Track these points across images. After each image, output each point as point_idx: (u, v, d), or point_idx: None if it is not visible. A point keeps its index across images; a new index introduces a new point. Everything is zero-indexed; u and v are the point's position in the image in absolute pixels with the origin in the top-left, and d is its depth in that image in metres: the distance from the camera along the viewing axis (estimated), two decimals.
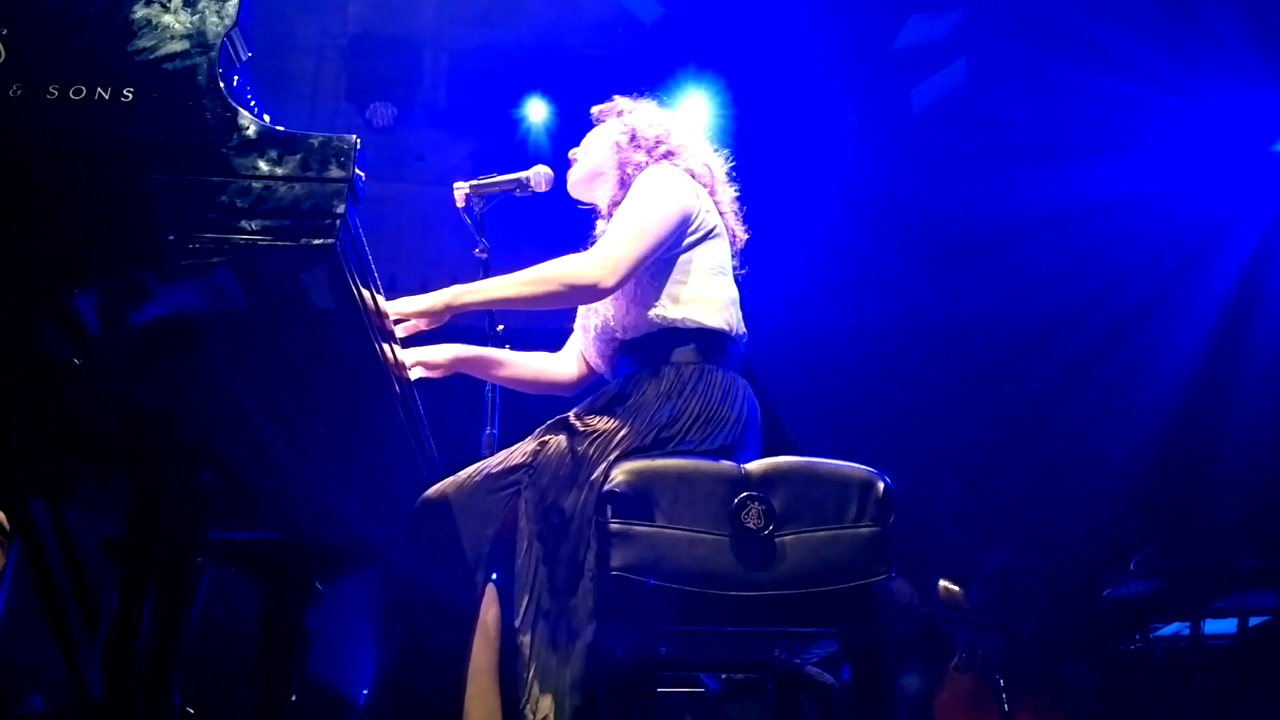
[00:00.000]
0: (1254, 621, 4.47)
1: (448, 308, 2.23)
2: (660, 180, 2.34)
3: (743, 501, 1.98)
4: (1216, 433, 5.49)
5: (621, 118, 2.54)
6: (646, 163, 2.43)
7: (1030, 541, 5.27)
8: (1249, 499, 5.11)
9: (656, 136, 2.47)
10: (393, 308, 2.21)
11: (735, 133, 5.40)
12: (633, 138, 2.48)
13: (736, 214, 2.53)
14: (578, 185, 2.58)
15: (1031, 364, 5.89)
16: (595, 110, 2.62)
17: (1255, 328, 5.58)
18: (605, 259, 2.22)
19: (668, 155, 2.45)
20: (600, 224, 2.52)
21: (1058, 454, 5.72)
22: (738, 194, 2.56)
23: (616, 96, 2.61)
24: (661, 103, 2.61)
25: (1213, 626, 4.50)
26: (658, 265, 2.30)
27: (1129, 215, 5.52)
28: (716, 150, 2.60)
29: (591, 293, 2.24)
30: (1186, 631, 4.54)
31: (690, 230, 2.33)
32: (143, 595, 1.81)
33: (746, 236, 2.53)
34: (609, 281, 2.21)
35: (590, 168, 2.54)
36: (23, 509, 1.84)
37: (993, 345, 5.99)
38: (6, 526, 1.76)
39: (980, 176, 5.62)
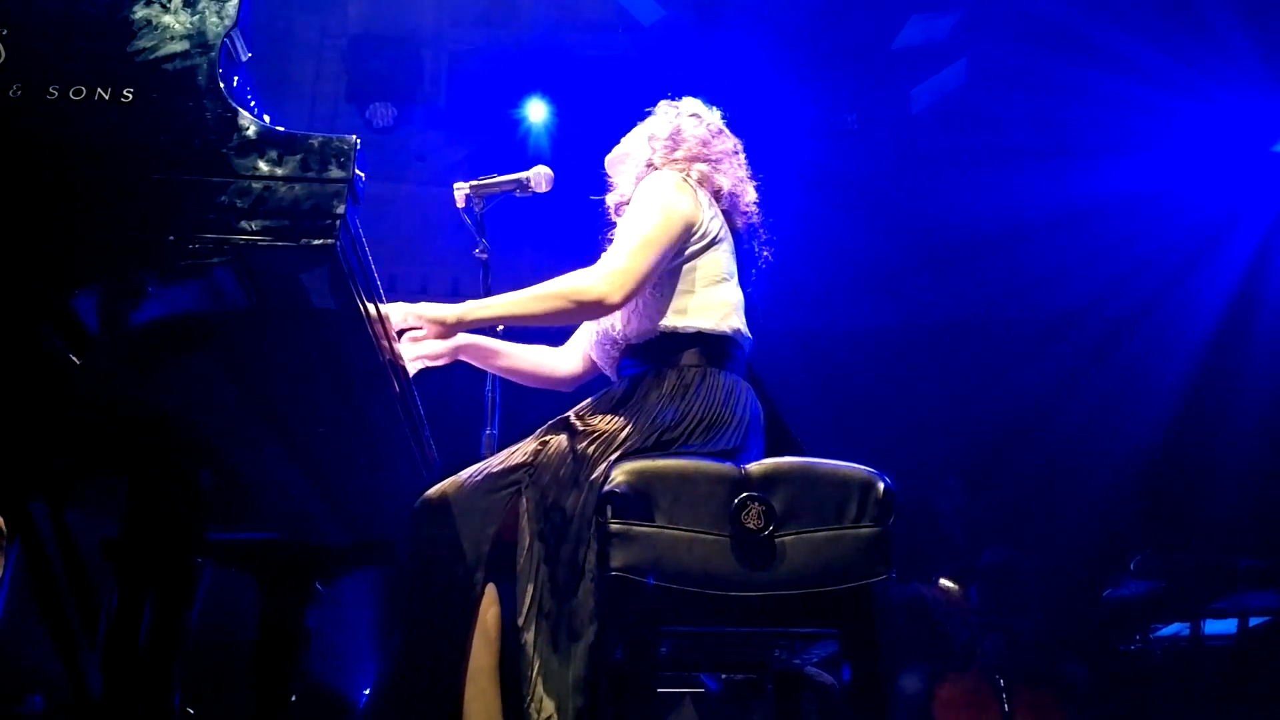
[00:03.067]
0: (1254, 622, 4.47)
1: (460, 322, 2.25)
2: (662, 189, 2.33)
3: (743, 502, 1.98)
4: (1217, 432, 5.49)
5: (666, 114, 2.57)
6: (658, 165, 2.44)
7: (1030, 541, 5.27)
8: (1249, 499, 5.11)
9: (671, 138, 2.48)
10: (402, 311, 2.21)
11: (735, 133, 5.39)
12: (652, 136, 2.51)
13: (756, 214, 2.52)
14: (611, 161, 2.61)
15: (1032, 364, 5.89)
16: (650, 109, 2.64)
17: (1255, 328, 5.59)
18: (612, 273, 2.22)
19: (690, 160, 2.44)
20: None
21: (1058, 454, 5.72)
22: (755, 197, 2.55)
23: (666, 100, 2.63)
24: (705, 106, 2.64)
25: (1213, 626, 4.51)
26: (661, 275, 2.29)
27: (1129, 216, 5.52)
28: (739, 153, 2.60)
29: (599, 309, 2.24)
30: (1186, 631, 4.54)
31: (694, 239, 2.32)
32: (143, 595, 1.81)
33: (763, 231, 2.53)
34: (615, 297, 2.21)
35: (624, 150, 2.57)
36: (23, 509, 1.84)
37: (993, 345, 5.99)
38: (4, 530, 1.76)
39: (980, 177, 5.62)
